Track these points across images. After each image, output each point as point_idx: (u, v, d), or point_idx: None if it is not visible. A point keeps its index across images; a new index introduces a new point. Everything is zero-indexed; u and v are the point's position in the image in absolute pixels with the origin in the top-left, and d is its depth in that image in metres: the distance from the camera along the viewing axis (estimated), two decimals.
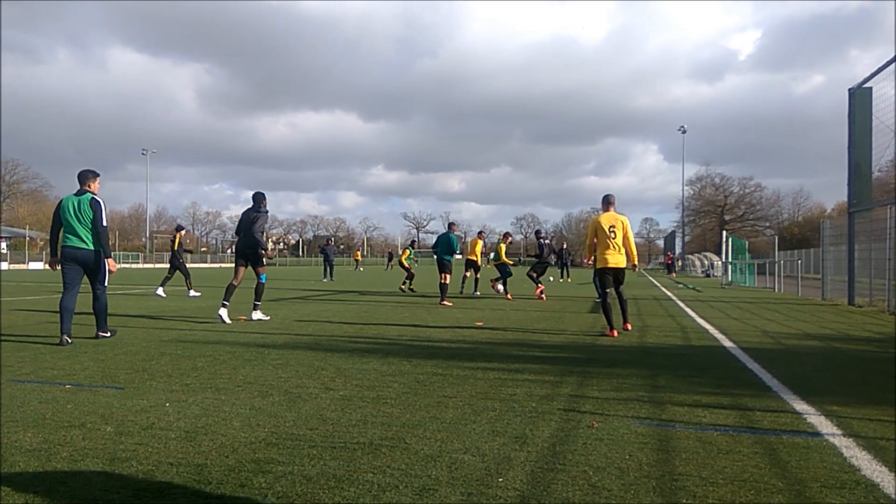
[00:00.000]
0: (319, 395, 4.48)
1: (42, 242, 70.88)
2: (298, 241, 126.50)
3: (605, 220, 8.64)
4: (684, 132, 68.60)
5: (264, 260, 9.67)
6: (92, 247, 7.04)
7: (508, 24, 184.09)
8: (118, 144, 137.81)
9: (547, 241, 17.27)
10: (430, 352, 6.60)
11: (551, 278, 28.78)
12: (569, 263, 30.83)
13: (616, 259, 8.52)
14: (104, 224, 7.07)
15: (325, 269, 28.34)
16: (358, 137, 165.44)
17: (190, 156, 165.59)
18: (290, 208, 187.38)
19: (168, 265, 16.90)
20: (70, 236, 7.00)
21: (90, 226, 7.00)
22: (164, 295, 15.47)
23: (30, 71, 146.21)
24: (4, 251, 55.18)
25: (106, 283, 7.24)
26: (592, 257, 8.78)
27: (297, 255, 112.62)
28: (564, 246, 32.55)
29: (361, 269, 54.24)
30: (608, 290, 8.52)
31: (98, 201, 7.08)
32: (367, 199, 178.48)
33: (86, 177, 7.23)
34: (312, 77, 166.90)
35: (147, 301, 13.90)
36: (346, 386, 4.79)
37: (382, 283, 25.17)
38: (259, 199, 9.64)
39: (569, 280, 28.71)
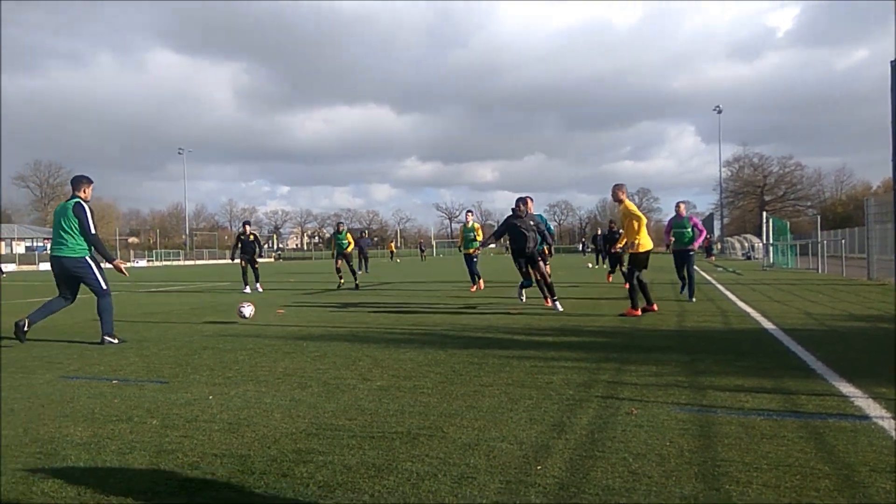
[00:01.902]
0: (357, 385, 4.53)
1: None
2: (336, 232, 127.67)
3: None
4: (720, 112, 67.17)
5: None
6: (77, 254, 6.75)
7: (540, 11, 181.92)
8: (159, 145, 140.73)
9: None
10: (465, 341, 6.61)
11: (589, 265, 28.50)
12: (605, 250, 30.47)
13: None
14: (93, 231, 6.78)
15: (360, 262, 28.57)
16: (391, 130, 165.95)
17: (228, 154, 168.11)
18: (325, 202, 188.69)
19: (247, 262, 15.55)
20: (54, 244, 6.83)
21: (74, 232, 6.72)
22: (260, 290, 15.51)
23: (73, 76, 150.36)
24: (49, 251, 57.02)
25: (105, 287, 6.89)
26: (627, 242, 9.12)
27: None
28: (599, 232, 32.15)
29: (398, 260, 54.46)
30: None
31: (82, 206, 6.78)
32: (401, 191, 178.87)
33: (79, 182, 7.01)
34: (346, 72, 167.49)
35: (188, 297, 14.21)
36: (383, 376, 4.84)
37: (417, 274, 25.28)
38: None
39: (605, 266, 28.39)
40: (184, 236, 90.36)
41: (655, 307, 9.03)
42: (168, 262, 68.20)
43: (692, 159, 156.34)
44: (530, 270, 9.84)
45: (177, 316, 9.84)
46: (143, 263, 63.34)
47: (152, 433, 3.42)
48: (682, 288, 11.44)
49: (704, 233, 11.50)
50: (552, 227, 10.95)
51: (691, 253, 11.24)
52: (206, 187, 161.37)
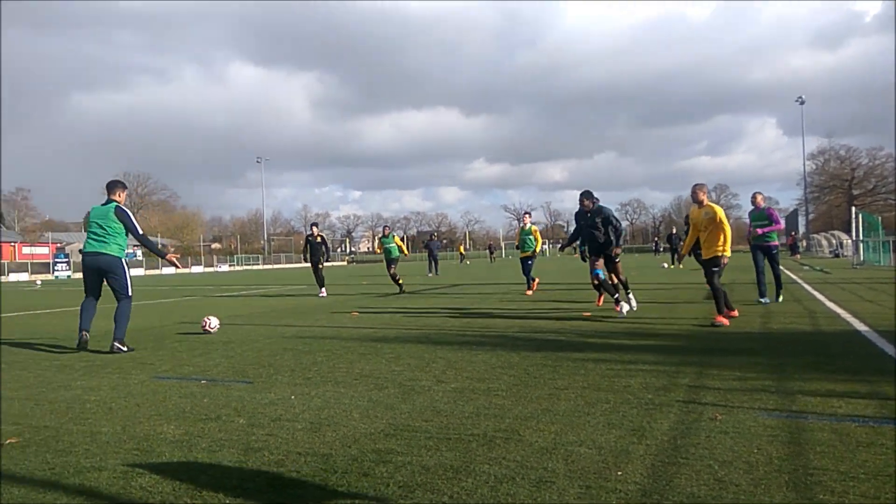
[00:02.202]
0: (432, 387, 4.58)
1: (172, 248, 76.80)
2: (403, 238, 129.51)
3: None
4: (802, 103, 63.92)
5: None
6: (116, 254, 6.98)
7: (610, 6, 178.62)
8: (240, 154, 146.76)
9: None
10: (538, 343, 6.57)
11: (665, 265, 27.71)
12: (679, 249, 29.56)
13: None
14: (140, 232, 7.15)
15: (430, 264, 28.80)
16: (459, 133, 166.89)
17: (303, 161, 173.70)
18: (396, 206, 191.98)
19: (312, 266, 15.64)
20: (91, 241, 7.01)
21: (114, 233, 6.96)
22: (323, 295, 15.28)
23: (160, 91, 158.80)
24: (140, 258, 60.25)
25: (131, 292, 7.08)
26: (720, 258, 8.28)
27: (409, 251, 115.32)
28: (674, 231, 31.20)
29: (468, 262, 54.54)
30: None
31: (124, 210, 7.06)
32: (469, 193, 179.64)
33: (114, 187, 7.21)
34: (415, 77, 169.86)
35: (267, 300, 14.73)
36: (458, 378, 4.87)
37: (487, 276, 25.26)
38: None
39: (680, 266, 27.51)
40: (262, 241, 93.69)
41: (736, 313, 8.41)
42: (248, 267, 70.84)
43: (774, 153, 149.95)
44: (604, 269, 9.17)
45: (258, 318, 10.22)
46: (224, 268, 66.04)
47: (239, 431, 3.57)
48: (761, 295, 10.33)
49: (779, 224, 10.56)
50: (623, 226, 9.76)
51: (774, 251, 10.42)
52: (283, 194, 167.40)
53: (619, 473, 2.74)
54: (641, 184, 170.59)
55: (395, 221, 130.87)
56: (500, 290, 16.32)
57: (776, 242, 10.54)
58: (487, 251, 63.81)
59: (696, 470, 2.76)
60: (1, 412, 4.18)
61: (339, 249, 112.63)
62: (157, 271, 57.86)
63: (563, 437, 3.29)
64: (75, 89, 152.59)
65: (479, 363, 5.50)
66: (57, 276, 47.50)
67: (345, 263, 77.35)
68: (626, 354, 5.78)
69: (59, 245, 64.12)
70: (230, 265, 70.68)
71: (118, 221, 7.01)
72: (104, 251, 6.97)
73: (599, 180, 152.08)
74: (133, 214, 7.23)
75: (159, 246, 7.42)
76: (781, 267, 11.32)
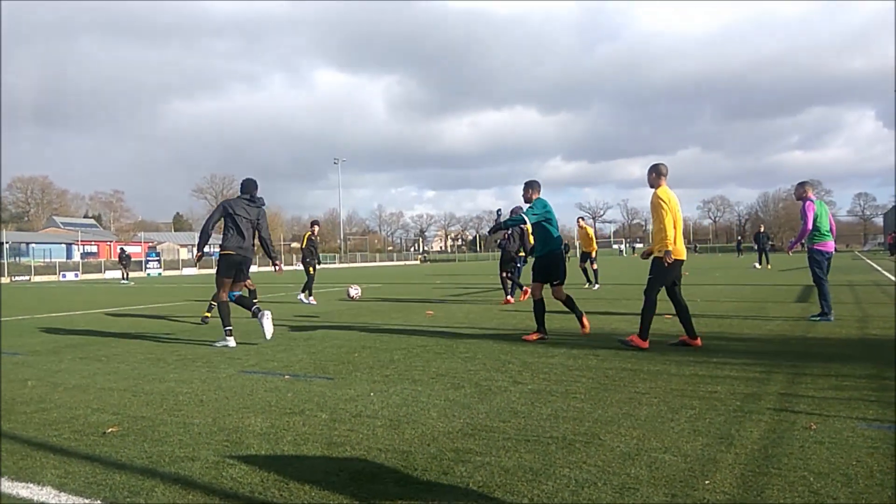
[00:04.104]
0: (508, 388, 4.57)
1: (256, 248, 79.79)
2: (475, 237, 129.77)
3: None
4: None
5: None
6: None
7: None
8: (320, 156, 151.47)
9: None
10: (616, 345, 6.42)
11: (755, 265, 26.51)
12: (767, 249, 28.12)
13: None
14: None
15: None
16: (536, 131, 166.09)
17: (381, 162, 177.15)
18: (469, 205, 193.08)
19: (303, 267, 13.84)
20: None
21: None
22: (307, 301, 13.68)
23: (251, 97, 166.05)
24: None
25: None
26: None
27: (475, 251, 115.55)
28: (762, 229, 29.80)
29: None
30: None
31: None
32: (544, 192, 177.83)
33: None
34: (494, 76, 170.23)
35: (344, 299, 15.05)
36: (534, 380, 4.83)
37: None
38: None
39: (768, 267, 26.25)
40: (338, 241, 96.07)
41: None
42: (326, 266, 72.80)
43: (873, 147, 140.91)
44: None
45: (337, 316, 10.48)
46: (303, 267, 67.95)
47: (322, 426, 3.67)
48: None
49: (806, 227, 8.27)
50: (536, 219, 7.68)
51: (812, 255, 8.30)
52: (361, 194, 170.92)
53: (707, 482, 2.65)
54: (727, 180, 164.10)
55: (468, 221, 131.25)
56: (572, 290, 16.05)
57: (815, 245, 8.34)
58: (643, 255, 62.79)
59: (789, 481, 2.63)
60: (1, 402, 4.48)
61: (412, 248, 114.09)
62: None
63: (646, 442, 3.20)
64: (175, 97, 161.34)
65: (556, 365, 5.43)
66: (149, 274, 50.32)
67: (418, 262, 78.12)
68: (711, 358, 5.57)
69: (151, 244, 67.93)
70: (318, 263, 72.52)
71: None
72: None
73: (682, 176, 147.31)
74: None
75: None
76: (878, 266, 10.49)
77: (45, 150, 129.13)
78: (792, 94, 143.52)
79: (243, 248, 7.42)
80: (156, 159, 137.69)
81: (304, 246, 13.95)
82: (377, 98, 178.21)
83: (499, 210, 9.38)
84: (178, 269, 57.83)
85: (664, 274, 6.33)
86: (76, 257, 64.63)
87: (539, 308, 7.23)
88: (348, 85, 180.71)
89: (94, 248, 73.98)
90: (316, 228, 14.28)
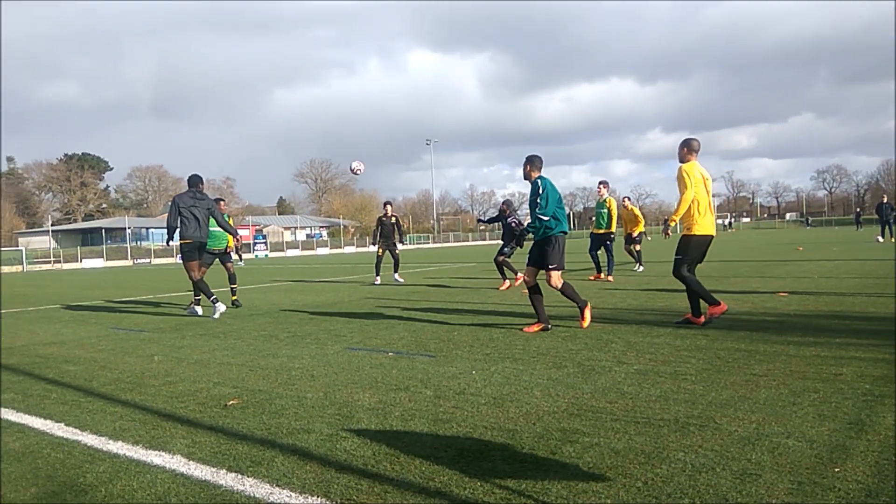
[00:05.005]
0: (613, 368, 4.46)
1: (353, 229, 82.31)
2: (569, 214, 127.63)
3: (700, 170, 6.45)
4: None
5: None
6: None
7: None
8: (413, 138, 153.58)
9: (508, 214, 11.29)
10: (727, 324, 6.12)
11: (879, 238, 24.49)
12: (892, 221, 25.83)
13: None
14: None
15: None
16: (633, 103, 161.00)
17: (473, 141, 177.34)
18: (563, 181, 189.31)
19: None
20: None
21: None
22: (400, 280, 14.16)
23: (347, 83, 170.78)
24: (325, 238, 65.32)
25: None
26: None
27: (570, 229, 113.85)
28: (885, 200, 27.40)
29: (649, 237, 51.84)
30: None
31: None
32: (641, 166, 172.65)
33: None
34: (589, 48, 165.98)
35: (439, 279, 15.23)
36: (640, 360, 4.69)
37: (662, 253, 24.04)
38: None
39: (892, 240, 24.15)
40: (431, 221, 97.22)
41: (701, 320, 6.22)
42: (419, 245, 73.94)
43: None
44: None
45: (434, 295, 10.62)
46: (400, 247, 69.45)
47: (427, 402, 3.73)
48: None
49: None
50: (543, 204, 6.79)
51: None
52: (453, 174, 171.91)
53: (837, 470, 2.47)
54: (844, 148, 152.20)
55: (563, 198, 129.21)
56: (620, 274, 15.42)
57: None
58: (662, 226, 60.60)
59: None
60: (1, 390, 4.76)
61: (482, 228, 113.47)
62: (339, 250, 62.36)
63: (767, 427, 3.03)
64: (277, 86, 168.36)
65: (662, 345, 5.25)
66: (256, 256, 53.04)
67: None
68: (834, 338, 5.20)
69: (258, 227, 71.49)
70: (402, 244, 74.03)
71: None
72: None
73: (794, 145, 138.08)
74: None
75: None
76: None
77: (159, 140, 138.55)
78: None
79: (199, 234, 8.63)
80: (262, 147, 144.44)
81: (375, 227, 14.20)
82: (469, 77, 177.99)
83: (507, 200, 9.10)
84: (282, 250, 60.62)
85: (689, 251, 6.34)
86: None
87: (535, 295, 6.49)
88: (441, 64, 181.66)
89: None
90: (389, 209, 14.04)
